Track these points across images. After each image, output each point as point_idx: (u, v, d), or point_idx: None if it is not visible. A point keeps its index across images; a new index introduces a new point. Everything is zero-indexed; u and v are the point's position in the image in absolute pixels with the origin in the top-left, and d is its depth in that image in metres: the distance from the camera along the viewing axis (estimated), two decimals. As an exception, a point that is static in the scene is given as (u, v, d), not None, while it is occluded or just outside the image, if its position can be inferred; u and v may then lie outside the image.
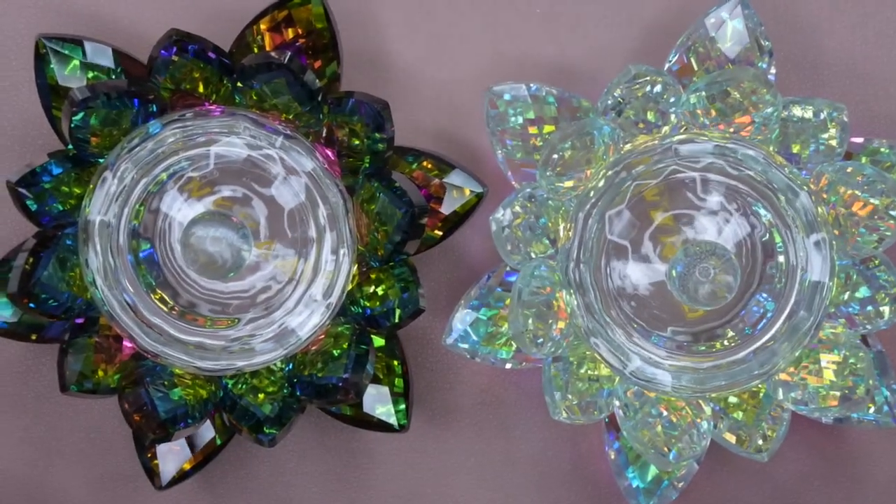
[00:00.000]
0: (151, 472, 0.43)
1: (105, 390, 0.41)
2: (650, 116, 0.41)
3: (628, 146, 0.42)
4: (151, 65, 0.40)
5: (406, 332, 0.43)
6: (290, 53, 0.41)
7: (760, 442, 0.41)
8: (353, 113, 0.40)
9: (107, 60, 0.42)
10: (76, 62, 0.41)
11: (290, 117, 0.41)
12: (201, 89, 0.41)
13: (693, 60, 0.43)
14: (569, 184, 0.41)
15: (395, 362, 0.43)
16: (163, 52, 0.40)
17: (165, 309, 0.42)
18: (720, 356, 0.42)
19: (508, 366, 0.43)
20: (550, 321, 0.41)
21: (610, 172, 0.41)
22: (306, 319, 0.41)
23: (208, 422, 0.43)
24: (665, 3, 0.45)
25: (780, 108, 0.41)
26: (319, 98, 0.41)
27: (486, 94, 0.42)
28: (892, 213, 0.41)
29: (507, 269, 0.43)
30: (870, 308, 0.41)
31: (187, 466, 0.43)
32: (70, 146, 0.41)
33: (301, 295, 0.42)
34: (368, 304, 0.42)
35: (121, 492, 0.45)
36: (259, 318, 0.42)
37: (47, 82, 0.41)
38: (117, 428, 0.45)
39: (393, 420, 0.43)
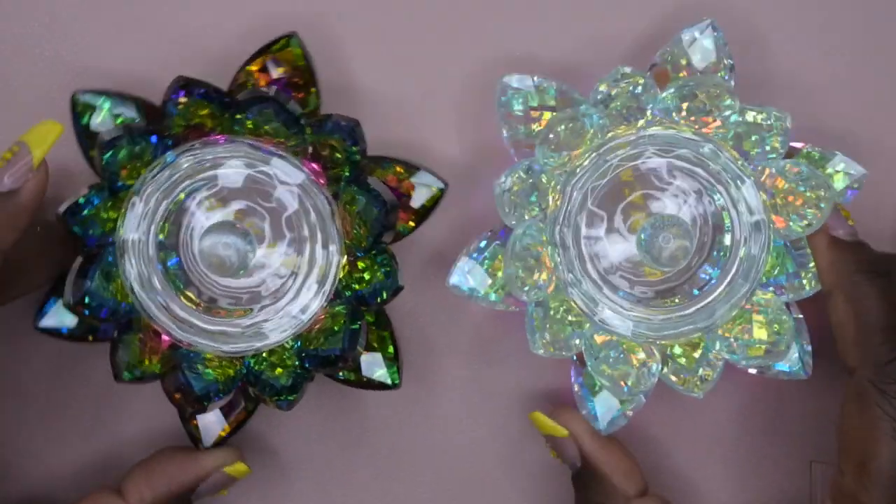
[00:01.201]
0: (195, 439, 0.46)
1: (150, 377, 0.44)
2: (631, 110, 0.44)
3: (611, 134, 0.44)
4: (164, 106, 0.43)
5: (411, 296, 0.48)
6: (276, 88, 0.44)
7: (698, 383, 0.45)
8: (332, 132, 0.44)
9: (129, 107, 0.45)
10: (105, 110, 0.44)
11: (281, 140, 0.44)
12: (208, 123, 0.44)
13: (669, 68, 0.46)
14: (561, 160, 0.45)
15: (386, 333, 0.46)
16: (173, 95, 0.43)
17: (192, 305, 0.45)
18: (672, 311, 0.45)
19: (499, 307, 0.46)
20: (536, 272, 0.44)
21: (595, 154, 0.44)
22: (307, 304, 0.44)
23: (239, 394, 0.46)
24: (648, 22, 0.49)
25: (737, 112, 0.44)
26: (303, 122, 0.44)
27: (498, 83, 0.45)
28: (820, 205, 0.44)
29: (503, 228, 0.46)
30: (795, 281, 0.45)
31: (223, 433, 0.47)
32: (103, 180, 0.44)
33: (301, 285, 0.45)
34: (358, 287, 0.45)
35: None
36: (269, 307, 0.45)
37: (83, 129, 0.44)
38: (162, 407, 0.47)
39: (388, 380, 0.46)
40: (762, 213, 0.44)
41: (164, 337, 0.45)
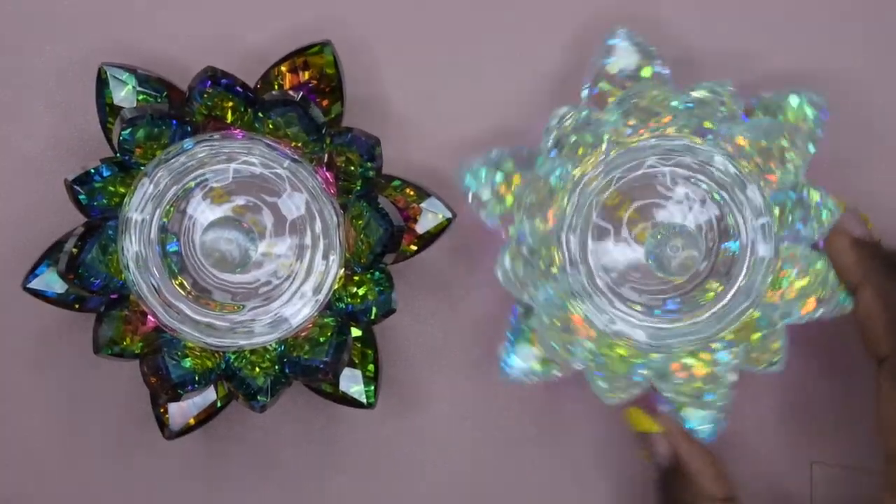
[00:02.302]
0: (162, 424, 0.46)
1: (129, 355, 0.44)
2: (587, 144, 0.44)
3: (578, 172, 0.45)
4: (190, 93, 0.44)
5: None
6: (302, 93, 0.44)
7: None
8: (351, 145, 0.44)
9: (154, 87, 0.45)
10: (130, 87, 0.44)
11: (299, 144, 0.44)
12: (229, 116, 0.44)
13: (602, 88, 0.46)
14: (542, 221, 0.45)
15: (370, 351, 0.46)
16: (199, 83, 0.43)
17: (184, 293, 0.45)
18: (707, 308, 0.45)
19: (561, 375, 0.46)
20: (573, 334, 0.44)
21: (573, 199, 0.44)
22: (298, 310, 0.44)
23: (212, 387, 0.46)
24: (565, 56, 0.49)
25: (680, 100, 0.44)
26: (324, 131, 0.44)
27: (457, 173, 0.45)
28: (796, 143, 0.44)
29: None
30: (811, 223, 0.44)
31: (192, 422, 0.46)
32: (118, 154, 0.44)
33: (296, 290, 0.45)
34: (350, 302, 0.45)
35: (136, 439, 0.49)
36: (259, 307, 0.45)
37: (105, 101, 0.44)
38: (136, 388, 0.47)
39: (363, 398, 0.46)
40: (767, 215, 0.44)
41: (150, 319, 0.45)
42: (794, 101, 0.46)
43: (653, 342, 0.44)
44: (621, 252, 0.46)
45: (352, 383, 0.46)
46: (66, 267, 0.43)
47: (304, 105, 0.44)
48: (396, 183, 0.47)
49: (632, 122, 0.44)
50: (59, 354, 0.49)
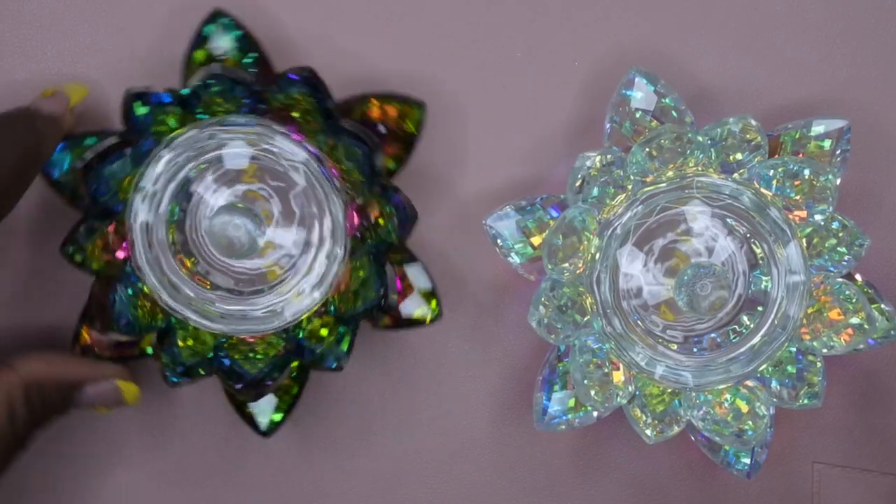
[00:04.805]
0: (77, 337, 0.46)
1: (87, 269, 0.44)
2: (733, 160, 0.44)
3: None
4: (278, 79, 0.43)
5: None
6: (377, 139, 0.44)
7: (655, 430, 0.45)
8: (391, 204, 0.44)
9: (251, 51, 0.45)
10: (231, 36, 0.44)
11: (348, 176, 0.44)
12: (296, 114, 0.44)
13: (785, 143, 0.45)
14: (647, 167, 0.44)
15: (295, 389, 0.46)
16: (291, 75, 0.43)
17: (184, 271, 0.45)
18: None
19: (517, 269, 0.46)
20: (572, 254, 0.44)
21: (678, 177, 0.44)
22: (298, 303, 0.44)
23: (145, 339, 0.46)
24: (573, 107, 0.48)
25: (826, 216, 0.44)
26: (374, 181, 0.44)
27: (629, 70, 0.45)
28: (854, 337, 0.43)
29: (554, 203, 0.45)
30: (787, 390, 0.44)
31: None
32: (184, 91, 0.43)
33: (297, 282, 0.45)
34: (308, 335, 0.45)
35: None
36: (256, 297, 0.45)
37: (202, 35, 0.44)
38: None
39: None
40: (800, 272, 0.44)
41: (124, 248, 0.44)
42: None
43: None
44: (652, 291, 0.46)
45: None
46: (85, 165, 0.43)
47: (373, 149, 0.43)
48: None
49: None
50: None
